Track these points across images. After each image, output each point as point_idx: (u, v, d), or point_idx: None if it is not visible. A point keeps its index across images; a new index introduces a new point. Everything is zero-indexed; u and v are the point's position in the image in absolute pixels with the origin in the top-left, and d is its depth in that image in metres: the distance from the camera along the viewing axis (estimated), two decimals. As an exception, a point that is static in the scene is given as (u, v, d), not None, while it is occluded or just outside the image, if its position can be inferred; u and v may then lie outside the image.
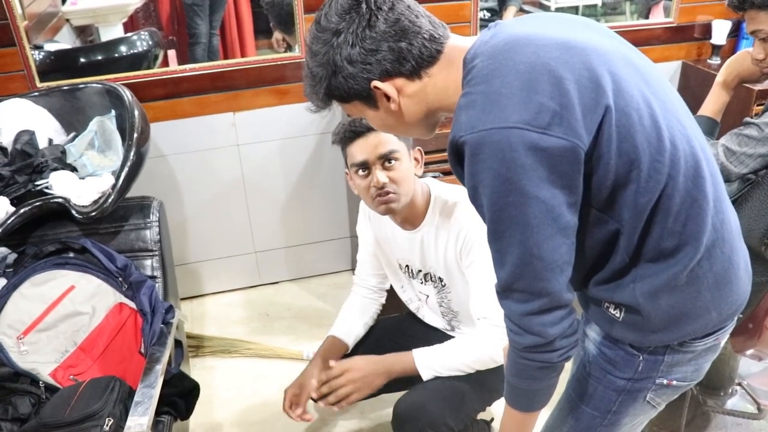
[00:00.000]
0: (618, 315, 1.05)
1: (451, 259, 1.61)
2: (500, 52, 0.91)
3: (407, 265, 1.74)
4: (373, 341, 1.84)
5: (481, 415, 1.76)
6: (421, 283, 1.74)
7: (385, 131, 1.09)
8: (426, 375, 1.60)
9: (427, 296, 1.76)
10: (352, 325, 1.84)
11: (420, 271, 1.71)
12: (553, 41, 0.91)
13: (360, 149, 1.52)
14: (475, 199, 0.94)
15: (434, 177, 2.20)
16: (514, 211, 0.88)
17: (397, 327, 1.90)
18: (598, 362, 1.14)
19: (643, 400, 1.13)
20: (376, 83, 0.97)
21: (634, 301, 1.01)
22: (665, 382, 1.10)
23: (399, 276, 1.80)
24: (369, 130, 1.51)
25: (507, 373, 1.07)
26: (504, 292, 0.97)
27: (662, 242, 0.96)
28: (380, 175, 1.52)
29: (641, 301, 1.00)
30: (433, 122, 1.07)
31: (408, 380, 1.63)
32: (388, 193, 1.53)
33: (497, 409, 1.89)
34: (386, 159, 1.52)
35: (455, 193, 1.62)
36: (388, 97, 0.99)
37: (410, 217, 1.63)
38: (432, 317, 1.82)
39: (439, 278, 1.68)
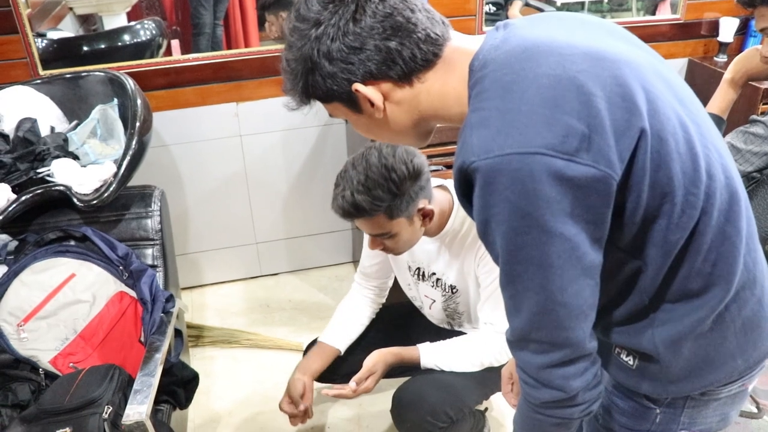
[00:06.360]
0: (631, 362, 0.94)
1: (469, 266, 1.59)
2: (517, 61, 0.78)
3: (418, 268, 1.72)
4: (383, 331, 1.85)
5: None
6: (432, 287, 1.72)
7: (370, 137, 0.96)
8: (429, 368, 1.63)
9: (433, 301, 1.75)
10: (348, 331, 1.82)
11: (434, 274, 1.69)
12: (579, 50, 0.78)
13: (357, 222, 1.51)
14: (485, 235, 0.80)
15: (436, 170, 2.19)
16: (533, 251, 0.76)
17: (404, 317, 1.90)
18: (611, 414, 1.03)
19: None
20: (357, 86, 0.84)
21: (653, 348, 0.90)
22: None
23: (406, 277, 1.78)
24: (356, 215, 1.46)
25: (516, 426, 0.97)
26: (519, 342, 0.85)
27: (688, 284, 0.85)
28: (373, 243, 1.54)
29: (661, 349, 0.89)
30: (425, 131, 0.95)
31: (406, 367, 1.67)
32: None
33: (492, 399, 1.90)
34: (380, 236, 1.51)
35: None
36: (372, 103, 0.86)
37: (430, 227, 1.58)
38: (433, 315, 1.82)
39: (451, 286, 1.66)
